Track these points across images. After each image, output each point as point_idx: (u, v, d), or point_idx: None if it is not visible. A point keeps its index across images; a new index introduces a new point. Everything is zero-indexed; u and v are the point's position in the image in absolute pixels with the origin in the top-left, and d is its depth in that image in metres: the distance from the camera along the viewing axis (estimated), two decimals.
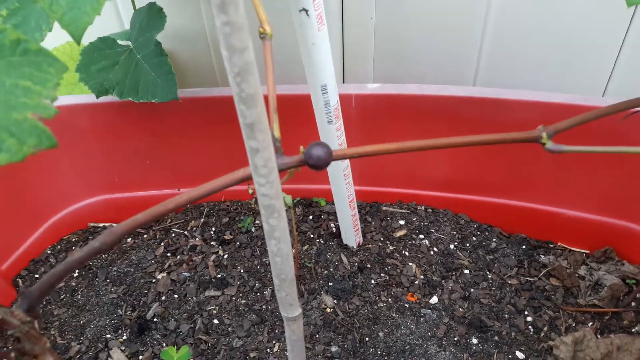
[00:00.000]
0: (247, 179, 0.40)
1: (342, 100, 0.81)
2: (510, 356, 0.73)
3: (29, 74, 0.28)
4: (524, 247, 0.88)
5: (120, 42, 0.81)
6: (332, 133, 0.67)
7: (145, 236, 0.95)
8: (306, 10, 0.51)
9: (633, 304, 0.79)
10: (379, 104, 0.82)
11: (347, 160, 0.74)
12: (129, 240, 0.95)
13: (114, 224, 0.98)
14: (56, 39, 0.87)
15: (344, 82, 0.94)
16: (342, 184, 0.76)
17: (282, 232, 0.42)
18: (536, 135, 0.48)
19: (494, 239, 0.89)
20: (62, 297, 0.86)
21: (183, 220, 0.97)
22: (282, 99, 0.83)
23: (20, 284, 0.89)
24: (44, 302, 0.85)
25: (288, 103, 0.82)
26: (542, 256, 0.87)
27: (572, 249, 0.88)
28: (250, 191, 0.84)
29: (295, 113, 0.79)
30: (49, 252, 0.94)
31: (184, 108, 0.85)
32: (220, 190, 0.41)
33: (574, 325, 0.77)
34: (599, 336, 0.76)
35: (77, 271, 0.90)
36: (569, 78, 0.84)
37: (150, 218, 0.41)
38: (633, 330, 0.76)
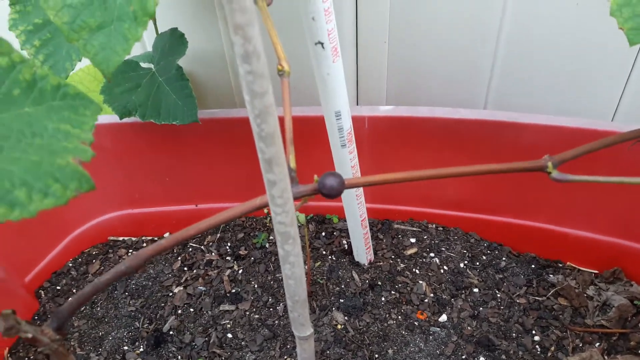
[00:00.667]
0: (264, 207, 0.43)
1: (355, 122, 0.84)
2: None
3: (68, 118, 0.31)
4: (533, 266, 0.89)
5: (142, 64, 0.84)
6: (345, 156, 0.70)
7: None
8: (322, 43, 0.53)
9: None
10: (391, 126, 0.85)
11: (361, 190, 0.76)
12: None
13: (133, 238, 1.02)
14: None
15: (357, 104, 0.97)
16: (354, 204, 0.78)
17: (296, 257, 0.45)
18: (542, 164, 0.50)
19: (504, 258, 0.91)
20: (82, 309, 0.89)
21: (200, 236, 1.00)
22: (296, 121, 0.86)
23: (43, 295, 0.92)
24: None
25: (303, 124, 0.85)
26: (551, 275, 0.88)
27: (581, 268, 0.89)
28: (266, 210, 0.87)
29: (309, 134, 0.82)
30: (70, 264, 0.97)
31: (203, 128, 0.88)
32: (238, 217, 0.44)
33: (581, 345, 0.78)
34: (605, 357, 0.77)
35: None
36: (579, 101, 0.86)
37: (173, 243, 0.43)
38: None
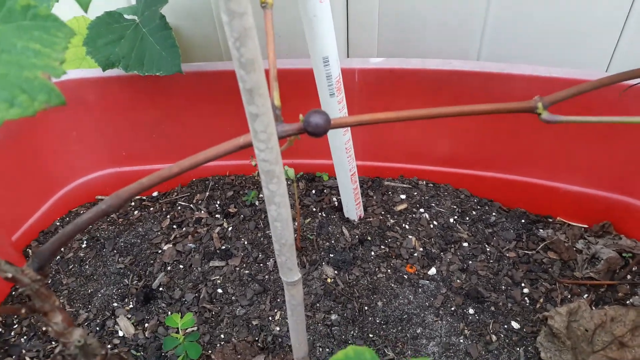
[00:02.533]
0: (248, 146, 0.42)
1: (345, 75, 0.82)
2: (505, 326, 0.75)
3: (38, 37, 0.30)
4: (523, 221, 0.89)
5: (126, 16, 0.81)
6: (334, 106, 0.68)
7: (151, 209, 0.97)
8: None
9: (628, 276, 0.80)
10: (382, 79, 0.83)
11: (349, 134, 0.75)
12: (135, 212, 0.97)
13: None
14: (64, 14, 0.88)
15: (348, 56, 0.95)
16: (343, 158, 0.77)
17: (281, 197, 0.44)
18: (532, 105, 0.48)
19: (494, 213, 0.90)
20: (70, 267, 0.88)
21: (189, 194, 0.99)
22: (285, 73, 0.84)
23: (31, 254, 0.91)
24: (53, 272, 0.87)
25: (291, 77, 0.83)
26: (540, 230, 0.88)
27: (571, 223, 0.89)
28: (254, 163, 0.85)
29: (298, 87, 0.80)
30: (57, 223, 0.96)
31: (190, 82, 0.86)
32: (222, 156, 0.43)
33: (569, 297, 0.79)
34: (593, 307, 0.77)
35: (85, 242, 0.92)
36: (573, 51, 0.84)
37: (155, 182, 0.42)
38: (627, 302, 0.77)
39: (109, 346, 0.77)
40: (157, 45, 0.76)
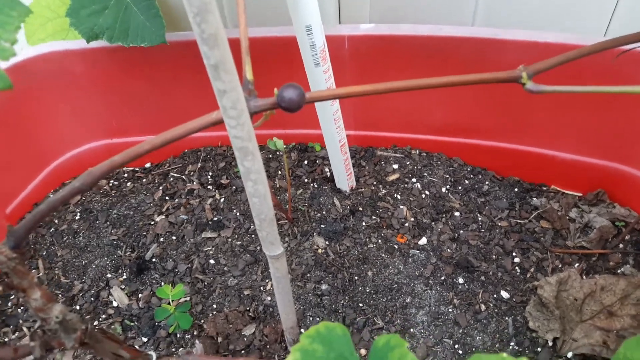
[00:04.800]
0: (221, 121, 0.41)
1: (334, 42, 0.81)
2: (495, 295, 0.75)
3: None
4: (516, 190, 0.89)
5: None
6: (320, 76, 0.67)
7: (144, 180, 0.97)
8: None
9: (621, 245, 0.80)
10: (373, 46, 0.81)
11: (337, 105, 0.74)
12: (128, 184, 0.97)
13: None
14: None
15: (340, 23, 0.92)
16: (332, 128, 0.76)
17: (257, 173, 0.43)
18: (516, 75, 0.47)
19: (487, 182, 0.90)
20: (64, 239, 0.89)
21: (181, 165, 0.99)
22: (265, 42, 0.82)
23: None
24: (48, 244, 0.88)
25: (273, 46, 0.82)
26: (534, 199, 0.87)
27: (565, 191, 0.88)
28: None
29: (281, 57, 0.78)
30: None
31: (177, 52, 0.84)
32: (195, 132, 0.42)
33: (560, 266, 0.78)
34: (584, 277, 0.77)
35: (78, 214, 0.92)
36: (570, 16, 0.82)
37: (127, 159, 0.42)
38: (619, 271, 0.77)
39: (103, 316, 0.79)
40: (140, 15, 0.75)
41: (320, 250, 0.81)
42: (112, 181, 0.98)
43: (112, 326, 0.77)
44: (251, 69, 0.42)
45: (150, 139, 0.41)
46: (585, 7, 0.80)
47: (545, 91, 0.46)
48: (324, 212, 0.86)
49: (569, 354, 0.68)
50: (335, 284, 0.76)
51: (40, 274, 0.84)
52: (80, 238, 0.89)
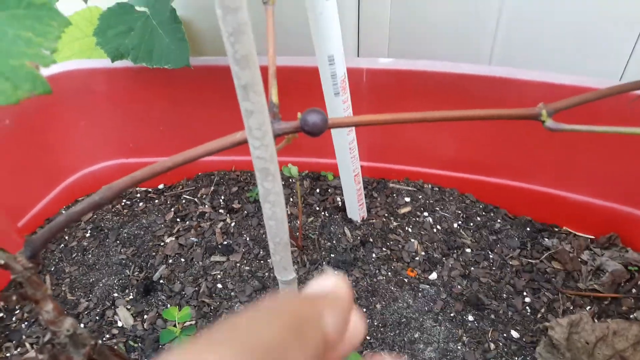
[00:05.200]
0: (245, 142, 0.41)
1: (353, 75, 0.82)
2: (505, 334, 0.74)
3: (31, 26, 0.30)
4: (528, 229, 0.88)
5: (137, 8, 0.82)
6: (339, 105, 0.68)
7: (156, 201, 0.98)
8: None
9: (634, 290, 0.79)
10: (391, 80, 0.83)
11: (353, 134, 0.75)
12: (140, 204, 0.97)
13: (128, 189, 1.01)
14: (77, 4, 0.88)
15: (358, 56, 0.94)
16: (347, 158, 0.76)
17: (276, 195, 0.43)
18: (536, 112, 0.48)
19: (499, 220, 0.89)
20: (74, 255, 0.89)
21: (194, 188, 0.99)
22: (289, 71, 0.84)
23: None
24: (57, 260, 0.88)
25: (296, 75, 0.83)
26: (546, 239, 0.87)
27: (577, 233, 0.88)
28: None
29: (303, 85, 0.80)
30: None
31: (199, 75, 0.86)
32: (217, 152, 0.42)
33: (572, 308, 0.77)
34: (596, 320, 0.76)
35: (89, 231, 0.92)
36: (586, 59, 0.83)
37: (148, 175, 0.42)
38: (631, 316, 0.76)
39: (107, 335, 0.78)
40: (166, 38, 0.77)
41: None
42: (124, 200, 0.99)
43: (116, 347, 0.76)
44: (277, 92, 0.42)
45: (173, 157, 0.42)
46: (601, 50, 0.81)
47: (564, 130, 0.46)
48: (334, 242, 0.86)
49: None
50: None
51: (47, 289, 0.84)
52: (90, 255, 0.89)
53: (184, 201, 0.97)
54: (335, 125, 0.43)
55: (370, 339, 0.73)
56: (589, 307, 0.77)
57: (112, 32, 0.78)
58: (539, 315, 0.76)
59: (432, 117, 0.46)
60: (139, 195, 1.00)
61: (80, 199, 0.99)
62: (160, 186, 1.02)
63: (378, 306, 0.76)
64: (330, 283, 0.24)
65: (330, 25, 0.57)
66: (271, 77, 0.42)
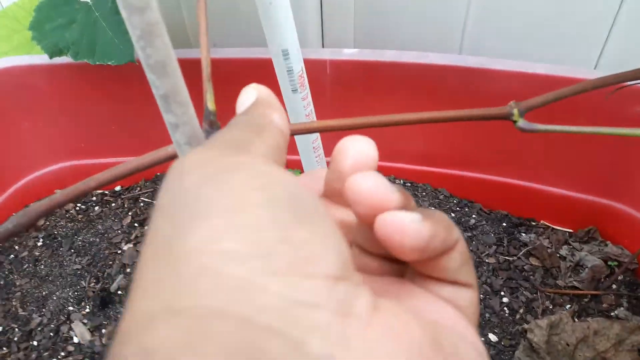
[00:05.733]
0: (176, 157, 0.36)
1: (315, 66, 0.77)
2: (482, 338, 0.70)
3: None
4: (504, 224, 0.85)
5: None
6: (298, 103, 0.62)
7: (113, 205, 0.92)
8: None
9: (614, 286, 0.76)
10: (356, 71, 0.78)
11: (317, 134, 0.69)
12: (96, 208, 0.91)
13: None
14: None
15: (323, 47, 0.89)
16: (312, 158, 0.71)
17: None
18: (507, 112, 0.43)
19: (474, 215, 0.86)
20: (25, 266, 0.83)
21: (152, 189, 0.94)
22: (242, 64, 0.78)
23: None
24: (6, 272, 0.82)
25: (250, 68, 0.78)
26: (523, 234, 0.83)
27: (555, 227, 0.85)
28: None
29: (258, 80, 0.74)
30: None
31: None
32: (147, 168, 0.37)
33: (551, 307, 0.74)
34: (576, 319, 0.73)
35: (41, 240, 0.86)
36: (559, 47, 0.79)
37: (69, 198, 0.37)
38: (612, 314, 0.73)
39: (62, 353, 0.73)
40: (109, 31, 0.70)
41: None
42: (79, 205, 0.93)
43: None
44: (213, 98, 0.37)
45: (97, 176, 0.36)
46: (575, 38, 0.77)
47: (537, 130, 0.42)
48: None
49: None
50: None
51: None
52: (42, 266, 0.83)
53: (142, 204, 0.91)
54: (296, 132, 0.38)
55: None
56: (568, 306, 0.74)
57: (51, 25, 0.71)
58: (518, 316, 0.73)
59: (399, 119, 0.41)
60: (94, 198, 0.94)
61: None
62: (117, 188, 0.96)
63: None
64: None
65: (282, 16, 0.52)
66: (205, 81, 0.37)
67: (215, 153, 0.19)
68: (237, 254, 0.14)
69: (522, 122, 0.44)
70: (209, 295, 0.14)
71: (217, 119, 0.37)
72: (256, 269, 0.14)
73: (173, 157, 0.37)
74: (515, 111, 0.44)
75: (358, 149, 0.26)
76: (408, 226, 0.19)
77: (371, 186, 0.20)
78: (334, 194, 0.26)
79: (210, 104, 0.37)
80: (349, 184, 0.21)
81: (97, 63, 0.70)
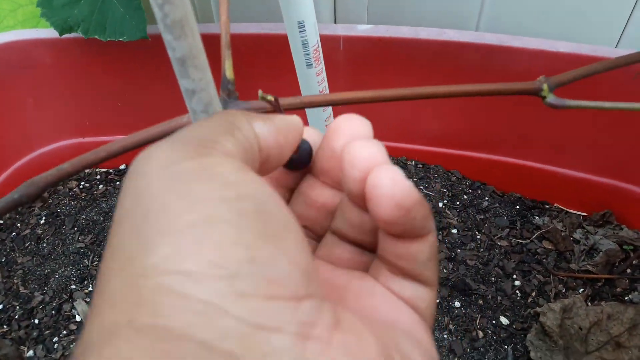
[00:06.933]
0: None
1: (329, 43, 0.74)
2: (494, 321, 0.69)
3: None
4: (517, 207, 0.83)
5: None
6: (312, 79, 0.61)
7: (117, 183, 0.90)
8: None
9: (628, 270, 0.74)
10: (370, 48, 0.75)
11: (330, 110, 0.68)
12: (100, 186, 0.90)
13: (86, 170, 0.93)
14: None
15: (335, 22, 0.86)
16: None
17: None
18: (536, 87, 0.41)
19: (487, 198, 0.84)
20: (27, 245, 0.81)
21: None
22: (253, 39, 0.76)
23: None
24: (8, 250, 0.81)
25: (262, 44, 0.75)
26: (536, 217, 0.82)
27: (569, 211, 0.83)
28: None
29: (270, 57, 0.72)
30: None
31: (156, 46, 0.77)
32: (160, 138, 0.36)
33: (564, 291, 0.73)
34: (589, 303, 0.72)
35: (43, 218, 0.85)
36: (580, 25, 0.76)
37: (78, 168, 0.35)
38: (626, 298, 0.72)
39: (64, 332, 0.72)
40: (120, 7, 0.68)
41: None
42: (83, 183, 0.91)
43: (73, 344, 0.70)
44: (232, 65, 0.35)
45: (106, 146, 0.35)
46: (596, 16, 0.75)
47: (569, 106, 0.40)
48: None
49: None
50: None
51: None
52: (44, 244, 0.81)
53: None
54: (306, 105, 0.36)
55: None
56: (581, 290, 0.73)
57: (59, 1, 0.69)
58: (530, 300, 0.72)
59: (420, 93, 0.39)
60: (98, 177, 0.92)
61: None
62: (122, 167, 0.94)
63: None
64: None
65: None
66: (224, 47, 0.35)
67: (181, 153, 0.18)
68: (200, 275, 0.14)
69: (551, 98, 0.42)
70: (171, 316, 0.14)
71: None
72: (219, 291, 0.14)
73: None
74: (545, 86, 0.42)
75: (353, 128, 0.26)
76: (401, 179, 0.20)
77: (372, 151, 0.21)
78: (322, 172, 0.26)
79: (228, 72, 0.35)
80: (349, 148, 0.22)
81: (109, 39, 0.68)
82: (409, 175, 0.86)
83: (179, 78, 0.28)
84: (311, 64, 0.59)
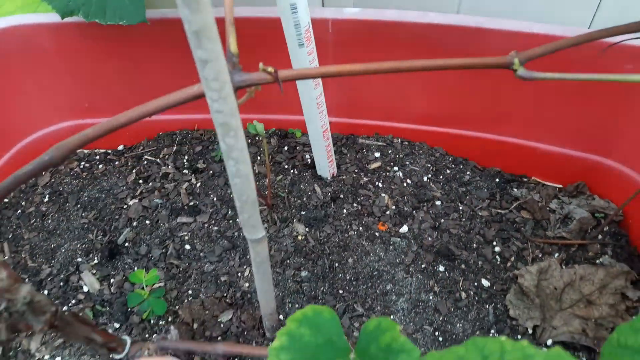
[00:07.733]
0: (203, 95, 0.39)
1: (318, 26, 0.78)
2: (475, 283, 0.74)
3: None
4: (497, 180, 0.88)
5: None
6: (304, 58, 0.65)
7: (116, 163, 0.94)
8: None
9: (600, 236, 0.80)
10: (357, 31, 0.79)
11: (320, 88, 0.72)
12: (100, 166, 0.93)
13: (85, 150, 0.97)
14: None
15: (323, 6, 0.90)
16: (315, 113, 0.74)
17: (240, 152, 0.41)
18: (508, 61, 0.46)
19: (468, 172, 0.89)
20: (32, 221, 0.85)
21: (155, 148, 0.96)
22: (249, 22, 0.79)
23: None
24: (14, 227, 0.84)
25: (257, 26, 0.79)
26: (514, 189, 0.87)
27: (546, 183, 0.88)
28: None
29: (265, 38, 0.76)
30: None
31: (156, 30, 0.81)
32: (174, 106, 0.40)
33: (540, 256, 0.78)
34: (563, 266, 0.77)
35: (47, 196, 0.88)
36: (555, 7, 0.81)
37: (100, 132, 0.39)
38: (597, 261, 0.77)
39: (73, 301, 0.76)
40: None
41: (300, 237, 0.79)
42: (83, 163, 0.94)
43: (83, 312, 0.74)
44: (235, 40, 0.39)
45: (127, 112, 0.39)
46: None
47: (537, 78, 0.45)
48: (304, 199, 0.84)
49: (549, 342, 0.68)
50: (315, 271, 0.75)
51: (6, 257, 0.80)
52: (49, 221, 0.85)
53: (145, 162, 0.93)
54: (301, 77, 0.41)
55: (343, 292, 0.73)
56: (557, 254, 0.78)
57: None
58: (509, 264, 0.77)
59: (402, 66, 0.44)
60: (97, 157, 0.95)
61: None
62: (120, 147, 0.97)
63: (350, 260, 0.76)
64: None
65: None
66: (228, 25, 0.39)
67: None
68: None
69: (522, 71, 0.47)
70: None
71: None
72: None
73: (200, 96, 0.39)
74: (516, 60, 0.47)
75: None
76: None
77: None
78: None
79: (232, 46, 0.39)
80: None
81: (109, 23, 0.71)
82: (396, 151, 0.91)
83: (194, 49, 0.33)
84: (303, 44, 0.63)
